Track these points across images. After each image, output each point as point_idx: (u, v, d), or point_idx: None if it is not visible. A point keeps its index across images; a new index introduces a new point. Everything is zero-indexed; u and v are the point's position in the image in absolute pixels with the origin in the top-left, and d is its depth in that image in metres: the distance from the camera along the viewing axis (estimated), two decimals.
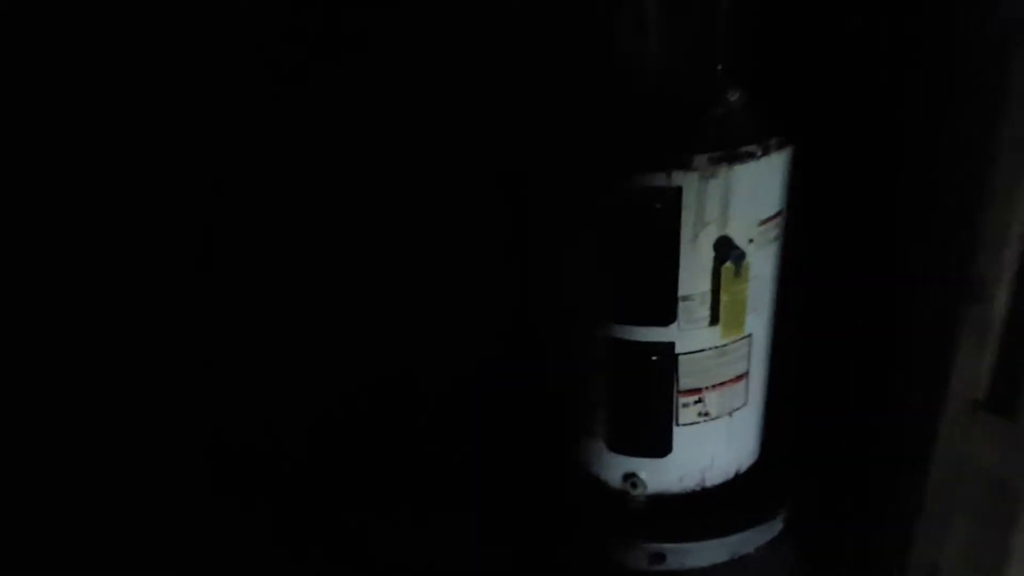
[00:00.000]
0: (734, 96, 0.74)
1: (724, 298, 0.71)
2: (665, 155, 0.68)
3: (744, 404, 0.82)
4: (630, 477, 0.83)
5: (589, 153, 0.72)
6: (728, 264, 0.69)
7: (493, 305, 0.93)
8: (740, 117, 0.74)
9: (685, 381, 0.78)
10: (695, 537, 0.81)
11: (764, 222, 0.74)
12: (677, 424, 0.80)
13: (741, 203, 0.71)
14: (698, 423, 0.80)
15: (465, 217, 0.89)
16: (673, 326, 0.75)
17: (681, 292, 0.74)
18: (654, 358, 0.77)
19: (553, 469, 0.89)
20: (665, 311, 0.75)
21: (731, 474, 0.85)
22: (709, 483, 0.84)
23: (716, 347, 0.77)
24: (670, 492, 0.84)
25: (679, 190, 0.69)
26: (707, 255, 0.72)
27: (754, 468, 0.87)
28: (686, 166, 0.68)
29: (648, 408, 0.81)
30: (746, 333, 0.76)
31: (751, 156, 0.69)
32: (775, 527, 0.83)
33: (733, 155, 0.69)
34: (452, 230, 0.90)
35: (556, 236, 0.78)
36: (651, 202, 0.70)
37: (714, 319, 0.75)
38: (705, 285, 0.73)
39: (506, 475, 0.91)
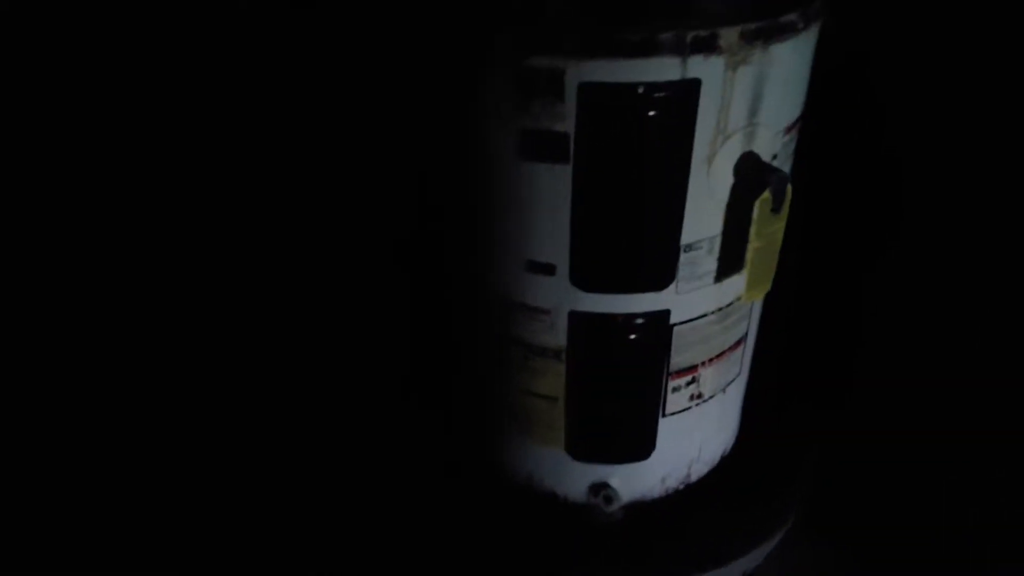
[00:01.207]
0: None
1: (756, 244, 0.48)
2: (676, 28, 0.43)
3: (739, 374, 0.62)
4: (600, 489, 0.61)
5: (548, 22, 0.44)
6: (765, 195, 0.46)
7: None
8: None
9: (678, 359, 0.56)
10: (695, 562, 0.61)
11: (789, 128, 0.51)
12: (663, 415, 0.58)
13: (772, 102, 0.47)
14: (689, 408, 0.59)
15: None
16: (670, 288, 0.52)
17: (685, 239, 0.50)
18: (633, 336, 0.54)
19: (491, 488, 0.64)
20: (662, 269, 0.51)
21: (717, 460, 0.66)
22: (695, 477, 0.64)
23: (720, 309, 0.55)
24: (650, 498, 0.63)
25: (696, 84, 0.44)
26: (725, 182, 0.48)
27: (738, 446, 0.68)
28: (709, 46, 0.43)
29: (627, 402, 0.58)
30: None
31: (792, 29, 0.46)
32: (786, 520, 0.65)
33: (773, 27, 0.45)
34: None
35: (490, 165, 0.50)
36: (651, 106, 0.45)
37: (723, 272, 0.52)
38: (717, 226, 0.50)
39: (430, 501, 0.65)
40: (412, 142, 0.56)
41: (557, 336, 0.54)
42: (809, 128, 0.55)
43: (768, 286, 0.52)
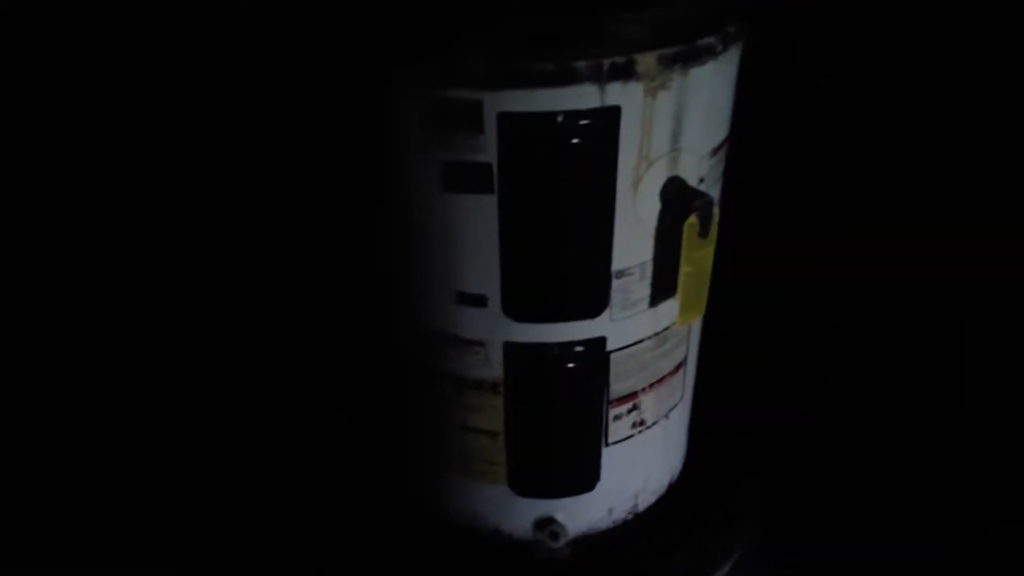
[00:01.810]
0: None
1: (686, 269, 0.48)
2: (592, 56, 0.42)
3: (681, 398, 0.61)
4: (546, 524, 0.59)
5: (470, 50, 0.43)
6: (692, 220, 0.46)
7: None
8: (683, 2, 0.50)
9: (617, 387, 0.55)
10: None
11: (715, 151, 0.51)
12: (606, 444, 0.57)
13: (694, 125, 0.47)
14: (632, 436, 0.58)
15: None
16: (604, 315, 0.51)
17: (616, 266, 0.49)
18: (572, 365, 0.53)
19: (432, 526, 0.62)
20: (594, 297, 0.50)
21: (665, 487, 0.65)
22: (643, 506, 0.63)
23: (656, 334, 0.54)
24: (598, 530, 0.61)
25: (615, 112, 0.44)
26: (651, 208, 0.48)
27: (685, 472, 0.67)
28: (627, 73, 0.43)
29: (569, 433, 0.57)
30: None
31: (710, 52, 0.46)
32: (737, 546, 0.64)
33: (691, 51, 0.44)
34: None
35: (415, 197, 0.49)
36: (572, 134, 0.44)
37: (657, 297, 0.52)
38: (647, 252, 0.50)
39: (367, 540, 0.63)
40: (337, 177, 0.55)
41: (493, 369, 0.53)
42: (742, 147, 0.55)
43: (701, 310, 0.52)
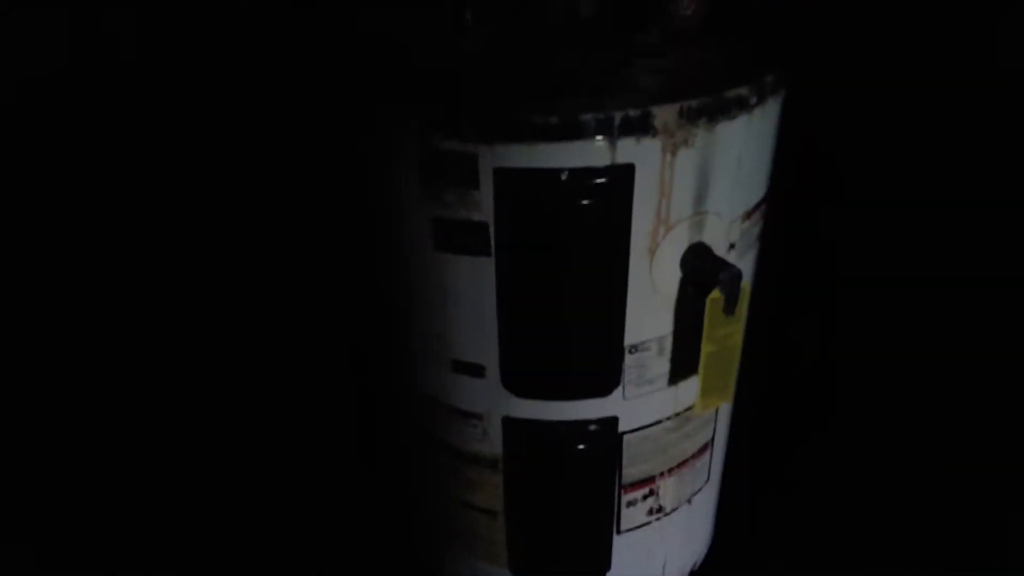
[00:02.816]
0: (688, 10, 0.45)
1: (708, 349, 0.42)
2: (602, 107, 0.37)
3: (706, 482, 0.55)
4: None
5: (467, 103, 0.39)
6: (715, 294, 0.40)
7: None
8: (708, 46, 0.44)
9: (631, 471, 0.49)
10: None
11: (748, 214, 0.45)
12: (618, 532, 0.51)
13: (722, 186, 0.41)
14: (648, 524, 0.52)
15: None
16: (615, 393, 0.45)
17: (629, 340, 0.44)
18: (582, 446, 0.47)
19: None
20: (604, 373, 0.45)
21: (687, 573, 0.58)
22: None
23: (677, 414, 0.48)
24: None
25: (629, 170, 0.38)
26: (671, 277, 0.42)
27: (712, 554, 0.60)
28: (642, 128, 0.37)
29: (575, 518, 0.51)
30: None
31: (742, 105, 0.40)
32: None
33: (717, 104, 0.39)
34: None
35: (405, 257, 0.44)
36: (578, 193, 0.39)
37: (677, 374, 0.46)
38: (666, 326, 0.44)
39: None
40: (325, 234, 0.51)
41: (491, 444, 0.48)
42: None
43: (728, 394, 0.46)
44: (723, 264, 0.41)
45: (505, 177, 0.38)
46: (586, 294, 0.42)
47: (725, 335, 0.42)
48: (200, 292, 0.56)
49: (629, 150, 0.38)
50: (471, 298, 0.43)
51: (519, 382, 0.45)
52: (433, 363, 0.47)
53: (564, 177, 0.38)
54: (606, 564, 0.52)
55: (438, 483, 0.52)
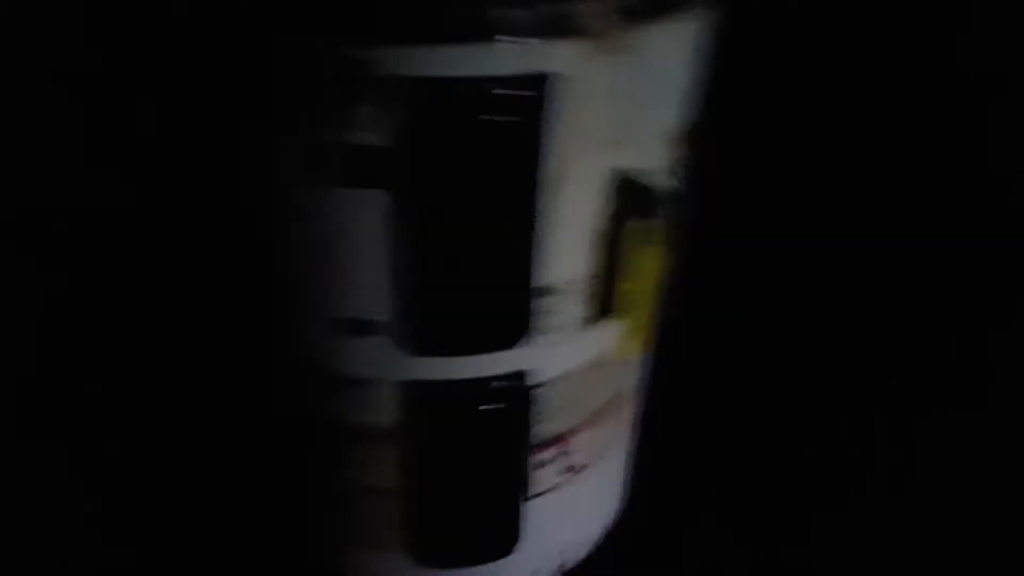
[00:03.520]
0: None
1: (627, 285, 0.37)
2: (519, 2, 0.31)
3: (622, 433, 0.51)
4: None
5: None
6: (639, 224, 0.36)
7: None
8: None
9: (542, 429, 0.44)
10: None
11: (677, 139, 0.41)
12: (526, 498, 0.47)
13: (650, 104, 0.37)
14: (559, 485, 0.48)
15: None
16: (523, 343, 0.40)
17: (540, 282, 0.38)
18: (486, 406, 0.42)
19: None
20: (512, 321, 0.39)
21: (599, 535, 0.55)
22: (571, 562, 0.53)
23: (591, 362, 0.44)
24: None
25: (541, 81, 0.33)
26: (589, 207, 0.37)
27: (626, 514, 0.58)
28: (567, 27, 0.32)
29: (480, 489, 0.46)
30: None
31: (676, 5, 0.35)
32: None
33: (652, 4, 0.34)
34: None
35: (279, 192, 0.36)
36: (481, 108, 0.33)
37: (592, 317, 0.42)
38: (581, 264, 0.39)
39: None
40: (182, 162, 0.42)
41: (384, 414, 0.42)
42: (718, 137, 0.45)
43: (648, 337, 0.42)
44: (650, 192, 0.36)
45: (398, 89, 0.32)
46: (495, 230, 0.36)
47: (647, 269, 0.38)
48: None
49: (551, 55, 0.32)
50: (360, 241, 0.36)
51: (416, 338, 0.39)
52: (316, 323, 0.39)
53: (466, 89, 0.32)
54: (514, 536, 0.48)
55: (327, 465, 0.45)
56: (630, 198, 0.36)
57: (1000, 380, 0.63)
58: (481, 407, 0.42)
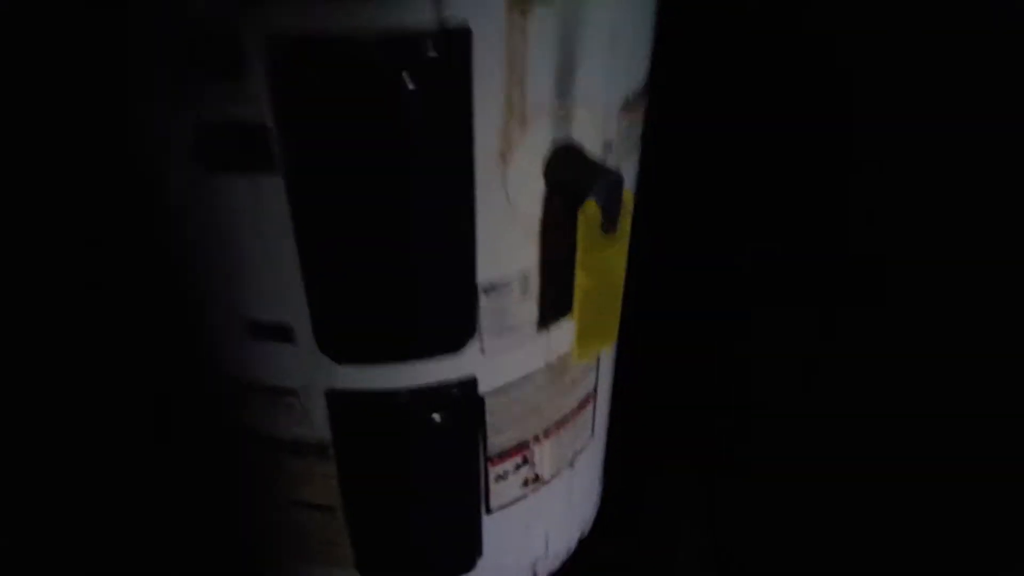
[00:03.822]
0: None
1: (584, 281, 0.32)
2: None
3: (590, 438, 0.46)
4: None
5: None
6: (590, 208, 0.30)
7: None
8: None
9: (499, 440, 0.39)
10: None
11: (629, 105, 0.35)
12: (488, 512, 0.42)
13: (594, 65, 0.31)
14: (524, 497, 0.43)
15: None
16: (471, 347, 0.35)
17: (484, 277, 0.33)
18: (433, 417, 0.37)
19: None
20: (452, 324, 0.34)
21: (572, 545, 0.50)
22: (544, 574, 0.48)
23: (549, 366, 0.38)
24: None
25: (465, 37, 0.27)
26: (531, 189, 0.32)
27: (600, 519, 0.53)
28: None
29: (432, 504, 0.41)
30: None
31: None
32: None
33: None
34: None
35: (164, 182, 0.31)
36: (390, 73, 0.27)
37: (547, 316, 0.36)
38: (530, 255, 0.34)
39: None
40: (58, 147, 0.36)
41: (315, 426, 0.37)
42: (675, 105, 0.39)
43: (610, 336, 0.36)
44: (598, 169, 0.31)
45: (285, 54, 0.26)
46: (419, 218, 0.31)
47: (604, 262, 0.32)
48: None
49: (463, 5, 0.26)
50: (259, 233, 0.31)
51: (339, 344, 0.34)
52: (226, 328, 0.34)
53: (367, 50, 0.26)
54: (475, 551, 0.43)
55: (257, 480, 0.40)
56: (578, 178, 0.30)
57: None
58: (426, 419, 0.37)
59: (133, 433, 0.45)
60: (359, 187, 0.29)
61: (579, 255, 0.32)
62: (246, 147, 0.28)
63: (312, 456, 0.38)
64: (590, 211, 0.30)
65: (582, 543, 0.51)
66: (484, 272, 0.33)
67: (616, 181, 0.30)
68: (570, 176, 0.31)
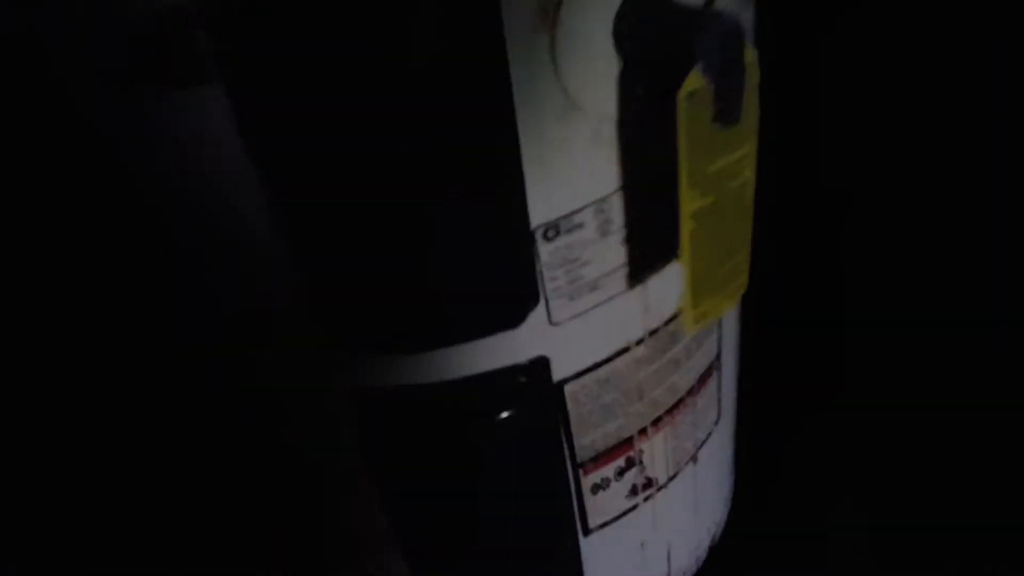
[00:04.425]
0: None
1: (694, 202, 0.21)
2: None
3: (716, 423, 0.35)
4: None
5: None
6: (694, 84, 0.18)
7: None
8: None
9: (588, 439, 0.29)
10: None
11: None
12: (586, 533, 0.31)
13: None
14: (634, 508, 0.32)
15: None
16: (535, 317, 0.24)
17: (540, 216, 0.22)
18: (494, 417, 0.26)
19: None
20: (504, 287, 0.24)
21: (703, 554, 0.39)
22: None
23: (651, 334, 0.27)
24: None
25: None
26: (598, 71, 0.21)
27: (735, 518, 0.42)
28: None
29: (503, 531, 0.31)
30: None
31: None
32: None
33: None
34: None
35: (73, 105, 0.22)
36: None
37: (641, 264, 0.25)
38: (606, 176, 0.23)
39: None
40: None
41: (340, 436, 0.27)
42: None
43: (735, 292, 0.25)
44: (703, 17, 0.19)
45: None
46: (430, 130, 0.20)
47: (725, 170, 0.21)
48: None
49: None
50: (218, 173, 0.21)
51: (349, 326, 0.24)
52: (199, 312, 0.25)
53: None
54: None
55: (299, 508, 0.32)
56: (671, 34, 0.19)
57: None
58: (484, 421, 0.27)
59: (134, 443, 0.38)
60: (338, 91, 0.19)
61: (684, 165, 0.20)
62: (164, 42, 0.19)
63: (347, 474, 0.28)
64: (696, 92, 0.19)
65: (713, 551, 0.40)
66: (539, 208, 0.22)
67: (732, 32, 0.18)
68: (656, 36, 0.19)
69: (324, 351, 0.24)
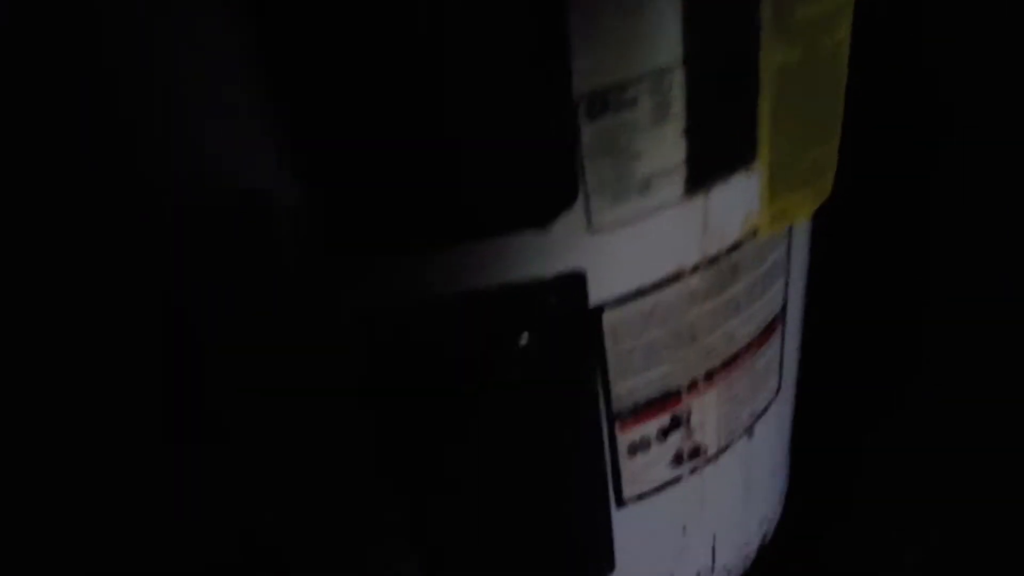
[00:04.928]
0: None
1: (778, 56, 0.16)
2: None
3: (777, 391, 0.30)
4: None
5: None
6: None
7: None
8: None
9: (630, 383, 0.24)
10: None
11: None
12: (620, 504, 0.27)
13: None
14: (677, 480, 0.27)
15: None
16: (571, 216, 0.20)
17: (586, 83, 0.18)
18: (516, 344, 0.22)
19: None
20: (535, 172, 0.20)
21: (752, 553, 0.34)
22: None
23: (711, 260, 0.23)
24: None
25: None
26: None
27: (788, 517, 0.36)
28: None
29: (525, 497, 0.26)
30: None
31: None
32: None
33: None
34: None
35: None
36: None
37: (705, 163, 0.21)
38: (667, 35, 0.19)
39: None
40: None
41: (336, 367, 0.23)
42: None
43: (823, 187, 0.20)
44: None
45: None
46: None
47: (818, 20, 0.16)
48: None
49: None
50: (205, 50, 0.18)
51: (338, 213, 0.20)
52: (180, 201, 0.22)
53: None
54: (603, 564, 0.28)
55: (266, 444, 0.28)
56: None
57: None
58: (505, 343, 0.22)
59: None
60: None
61: (767, 16, 0.16)
62: None
63: (340, 408, 0.25)
64: None
65: (763, 550, 0.35)
66: (584, 67, 0.18)
67: None
68: None
69: (329, 259, 0.21)
